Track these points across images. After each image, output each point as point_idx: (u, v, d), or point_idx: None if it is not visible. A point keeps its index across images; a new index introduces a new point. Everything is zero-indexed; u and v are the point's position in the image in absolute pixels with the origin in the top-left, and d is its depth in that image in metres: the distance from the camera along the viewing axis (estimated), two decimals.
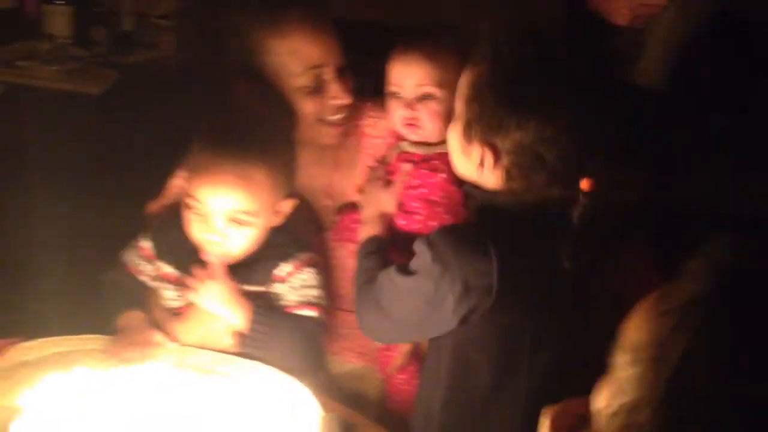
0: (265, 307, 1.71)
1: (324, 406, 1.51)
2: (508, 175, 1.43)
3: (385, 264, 1.59)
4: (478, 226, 1.49)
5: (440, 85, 1.71)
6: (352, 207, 1.86)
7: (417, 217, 1.74)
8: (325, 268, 1.83)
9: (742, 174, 1.89)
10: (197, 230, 1.67)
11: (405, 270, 1.48)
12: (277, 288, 1.73)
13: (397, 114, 1.76)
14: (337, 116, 1.82)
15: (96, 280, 1.83)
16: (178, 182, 1.86)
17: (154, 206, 1.87)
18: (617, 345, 0.99)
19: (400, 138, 1.81)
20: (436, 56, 1.71)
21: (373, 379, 1.93)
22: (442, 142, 1.76)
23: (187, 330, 1.73)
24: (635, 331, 0.96)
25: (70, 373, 1.44)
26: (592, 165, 1.39)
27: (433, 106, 1.72)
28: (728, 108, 1.88)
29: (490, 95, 1.41)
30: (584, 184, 1.38)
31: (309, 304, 1.73)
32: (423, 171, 1.75)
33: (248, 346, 1.69)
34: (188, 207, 1.67)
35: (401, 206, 1.76)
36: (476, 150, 1.44)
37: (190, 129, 1.79)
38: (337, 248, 1.91)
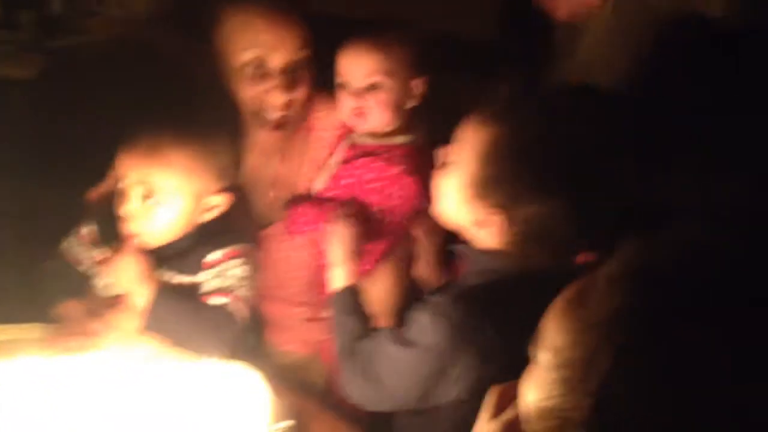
0: (174, 291, 1.69)
1: (274, 392, 1.50)
2: (510, 242, 1.35)
3: (367, 323, 1.53)
4: (483, 292, 1.38)
5: (388, 74, 1.72)
6: (301, 199, 1.86)
7: (372, 211, 1.75)
8: (260, 262, 1.81)
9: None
10: (118, 207, 1.67)
11: (401, 340, 1.39)
12: (200, 275, 1.72)
13: (345, 104, 1.77)
14: (276, 114, 1.78)
15: (29, 268, 1.79)
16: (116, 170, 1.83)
17: (94, 193, 1.85)
18: (538, 340, 0.99)
19: (349, 131, 1.82)
20: (383, 47, 1.73)
21: (318, 369, 1.94)
22: (391, 133, 1.78)
23: (126, 319, 1.69)
24: (556, 332, 0.96)
25: (11, 363, 1.40)
26: (591, 239, 1.32)
27: (381, 95, 1.73)
28: (669, 104, 1.94)
29: (513, 163, 1.31)
30: (581, 258, 1.33)
31: (225, 291, 1.70)
32: (377, 164, 1.75)
33: (151, 327, 1.66)
34: (118, 192, 1.68)
35: (355, 201, 1.76)
36: (482, 210, 1.36)
37: (125, 114, 1.78)
38: (283, 241, 1.89)
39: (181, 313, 1.66)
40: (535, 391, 0.99)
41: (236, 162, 1.77)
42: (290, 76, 1.75)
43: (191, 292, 1.71)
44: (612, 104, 1.41)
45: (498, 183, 1.32)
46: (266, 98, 1.75)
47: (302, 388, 1.77)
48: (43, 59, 3.09)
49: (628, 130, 1.38)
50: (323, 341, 1.88)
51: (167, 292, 1.67)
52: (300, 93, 1.78)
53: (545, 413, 0.95)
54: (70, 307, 1.72)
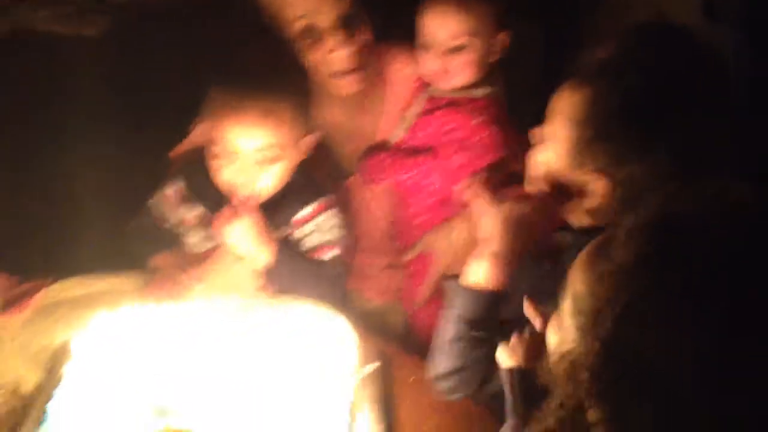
0: (289, 249, 1.75)
1: (359, 336, 1.56)
2: (610, 207, 1.29)
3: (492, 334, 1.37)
4: None
5: (474, 34, 1.70)
6: (376, 148, 1.89)
7: (453, 162, 1.76)
8: (347, 211, 1.87)
9: None
10: (227, 175, 1.70)
11: None
12: (297, 232, 1.78)
13: (429, 64, 1.76)
14: (344, 67, 1.77)
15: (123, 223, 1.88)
16: (199, 128, 1.88)
17: (177, 151, 1.89)
18: (565, 288, 1.01)
19: (426, 83, 1.84)
20: (469, 6, 1.70)
21: (397, 315, 2.00)
22: (471, 86, 1.79)
23: (210, 274, 1.77)
24: (577, 281, 0.99)
25: (115, 312, 1.47)
26: None
27: (467, 55, 1.72)
28: None
29: (614, 120, 1.25)
30: None
31: (330, 244, 1.78)
32: (457, 115, 1.76)
33: (273, 284, 1.73)
34: (215, 155, 1.70)
35: (435, 153, 1.76)
36: (584, 177, 1.31)
37: (200, 70, 1.81)
38: (362, 191, 1.94)
39: (302, 271, 1.73)
40: (555, 336, 1.05)
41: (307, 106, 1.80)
42: (344, 31, 1.72)
43: (289, 247, 1.76)
44: (693, 44, 1.32)
45: (600, 144, 1.27)
46: (331, 58, 1.75)
47: (383, 332, 1.84)
48: (106, 17, 3.15)
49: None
50: (404, 289, 1.96)
51: (287, 252, 1.73)
52: (360, 40, 1.75)
53: (561, 357, 1.00)
54: (163, 259, 1.80)
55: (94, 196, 1.99)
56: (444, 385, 1.42)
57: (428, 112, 1.81)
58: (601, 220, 1.33)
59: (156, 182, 1.87)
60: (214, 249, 1.79)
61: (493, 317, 1.40)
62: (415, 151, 1.82)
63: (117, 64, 2.77)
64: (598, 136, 1.27)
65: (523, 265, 1.43)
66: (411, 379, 1.52)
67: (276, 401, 1.32)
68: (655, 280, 0.90)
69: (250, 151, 1.67)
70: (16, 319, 1.57)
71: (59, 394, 1.32)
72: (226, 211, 1.70)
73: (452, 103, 1.78)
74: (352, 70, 1.77)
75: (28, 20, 2.99)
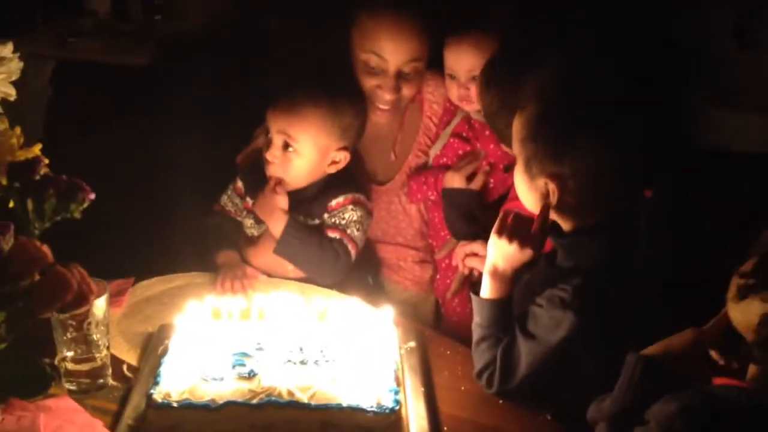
0: (302, 224, 2.08)
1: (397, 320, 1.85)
2: (577, 199, 1.60)
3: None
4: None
5: None
6: (419, 169, 2.24)
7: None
8: (373, 211, 2.19)
9: None
10: (264, 152, 2.07)
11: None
12: (325, 216, 2.11)
13: (453, 91, 2.12)
14: (384, 105, 2.14)
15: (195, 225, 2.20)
16: (262, 135, 2.22)
17: (241, 155, 2.27)
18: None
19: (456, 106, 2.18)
20: (480, 45, 2.03)
21: (428, 304, 2.30)
22: None
23: (258, 255, 2.12)
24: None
25: (202, 300, 1.78)
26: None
27: None
28: None
29: (543, 129, 1.60)
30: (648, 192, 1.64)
31: (339, 230, 2.09)
32: (487, 140, 2.11)
33: (280, 252, 2.06)
34: (264, 134, 2.10)
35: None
36: (541, 183, 1.61)
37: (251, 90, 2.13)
38: (400, 195, 2.27)
39: (307, 242, 2.05)
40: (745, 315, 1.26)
41: (360, 127, 2.13)
42: (400, 79, 2.11)
43: (315, 229, 2.10)
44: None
45: (537, 152, 1.60)
46: (377, 92, 2.12)
47: (416, 320, 2.13)
48: (153, 46, 3.45)
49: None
50: (437, 280, 2.27)
51: (297, 224, 2.07)
52: (408, 91, 2.14)
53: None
54: (228, 256, 2.12)
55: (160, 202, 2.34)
56: (482, 380, 1.69)
57: (462, 132, 2.15)
58: (580, 218, 1.63)
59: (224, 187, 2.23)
60: (261, 234, 2.14)
61: (505, 318, 1.69)
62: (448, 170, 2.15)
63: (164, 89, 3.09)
64: (536, 145, 1.60)
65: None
66: (447, 353, 1.81)
67: (337, 371, 1.60)
68: None
69: (276, 134, 2.04)
70: (116, 311, 1.87)
71: (167, 359, 1.62)
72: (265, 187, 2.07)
73: (483, 126, 2.09)
74: (387, 109, 2.12)
75: (83, 51, 3.31)
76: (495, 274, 1.69)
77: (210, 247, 2.14)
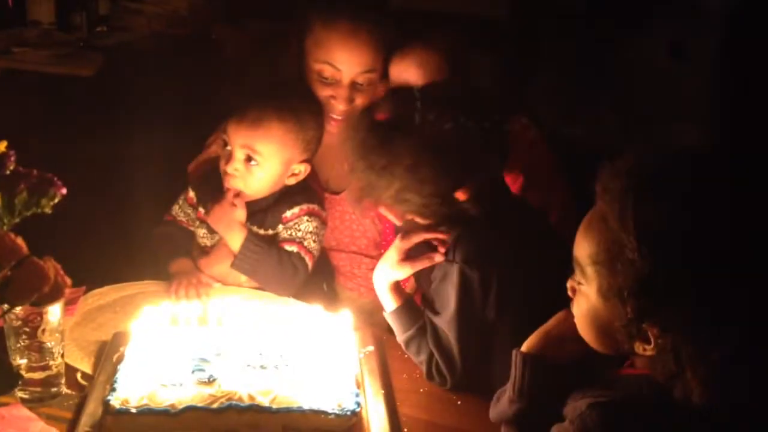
0: (260, 237, 2.08)
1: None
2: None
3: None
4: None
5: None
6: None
7: None
8: (327, 221, 2.19)
9: None
10: (222, 164, 2.05)
11: None
12: (279, 228, 2.11)
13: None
14: (337, 115, 2.13)
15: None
16: (213, 144, 2.24)
17: (193, 164, 2.25)
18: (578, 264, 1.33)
19: None
20: (424, 62, 2.04)
21: (381, 313, 2.30)
22: None
23: (211, 264, 2.10)
24: (586, 247, 1.27)
25: (158, 306, 1.76)
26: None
27: None
28: None
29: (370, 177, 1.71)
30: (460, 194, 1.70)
31: (296, 242, 2.09)
32: None
33: (239, 266, 2.05)
34: (221, 146, 2.07)
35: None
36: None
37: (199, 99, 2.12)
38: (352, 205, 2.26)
39: (265, 256, 2.05)
40: (584, 303, 1.33)
41: (320, 138, 2.13)
42: (354, 90, 2.11)
43: (271, 242, 2.09)
44: None
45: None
46: (330, 102, 2.12)
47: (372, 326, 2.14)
48: (99, 57, 3.42)
49: None
50: None
51: (256, 238, 2.06)
52: (361, 101, 2.12)
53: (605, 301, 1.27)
54: (181, 264, 2.10)
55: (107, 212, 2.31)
56: (435, 378, 1.76)
57: None
58: None
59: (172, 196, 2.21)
60: (214, 245, 2.13)
61: (412, 314, 1.83)
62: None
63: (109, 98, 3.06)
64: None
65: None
66: (405, 356, 1.83)
67: (297, 375, 1.60)
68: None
69: (238, 147, 2.02)
70: (67, 320, 1.83)
71: (123, 366, 1.60)
72: (221, 198, 2.06)
73: None
74: (341, 119, 2.12)
75: (27, 61, 3.26)
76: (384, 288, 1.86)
77: (162, 256, 2.12)
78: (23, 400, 1.58)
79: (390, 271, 1.85)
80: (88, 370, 1.71)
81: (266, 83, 2.19)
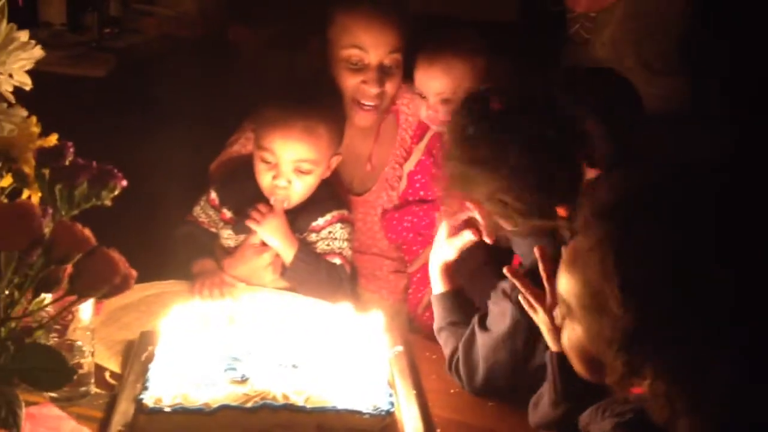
0: (308, 249, 2.06)
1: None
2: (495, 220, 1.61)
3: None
4: None
5: (455, 91, 2.07)
6: (393, 208, 2.26)
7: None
8: (355, 223, 2.20)
9: None
10: (266, 177, 2.02)
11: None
12: (311, 236, 2.09)
13: (421, 109, 2.16)
14: (369, 102, 2.14)
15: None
16: (240, 141, 2.21)
17: (215, 164, 2.24)
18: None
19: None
20: (452, 69, 2.08)
21: (403, 315, 2.29)
22: None
23: (235, 265, 2.08)
24: (571, 284, 1.20)
25: (188, 305, 1.75)
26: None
27: (450, 106, 2.03)
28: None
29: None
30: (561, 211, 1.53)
31: (337, 254, 2.09)
32: None
33: (290, 278, 2.05)
34: (260, 158, 2.02)
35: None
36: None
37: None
38: (376, 207, 2.27)
39: (315, 269, 2.04)
40: (572, 333, 1.25)
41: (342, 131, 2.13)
42: (383, 73, 2.12)
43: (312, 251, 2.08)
44: None
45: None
46: (361, 88, 2.12)
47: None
48: (111, 58, 3.40)
49: None
50: (410, 293, 2.28)
51: (306, 249, 2.05)
52: (390, 87, 2.16)
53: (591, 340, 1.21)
54: (204, 264, 2.08)
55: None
56: (452, 371, 1.73)
57: (432, 150, 2.17)
58: None
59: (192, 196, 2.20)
60: (238, 245, 2.11)
61: (457, 308, 1.79)
62: (420, 202, 2.20)
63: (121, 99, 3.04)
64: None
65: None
66: (434, 357, 1.82)
67: (329, 374, 1.59)
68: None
69: (289, 162, 1.99)
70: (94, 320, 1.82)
71: (154, 365, 1.58)
72: (262, 208, 2.02)
73: None
74: (373, 107, 2.11)
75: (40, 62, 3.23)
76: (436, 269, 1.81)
77: (184, 257, 2.10)
78: (52, 399, 1.56)
79: (439, 249, 1.81)
80: (116, 369, 1.70)
81: (292, 85, 2.16)
